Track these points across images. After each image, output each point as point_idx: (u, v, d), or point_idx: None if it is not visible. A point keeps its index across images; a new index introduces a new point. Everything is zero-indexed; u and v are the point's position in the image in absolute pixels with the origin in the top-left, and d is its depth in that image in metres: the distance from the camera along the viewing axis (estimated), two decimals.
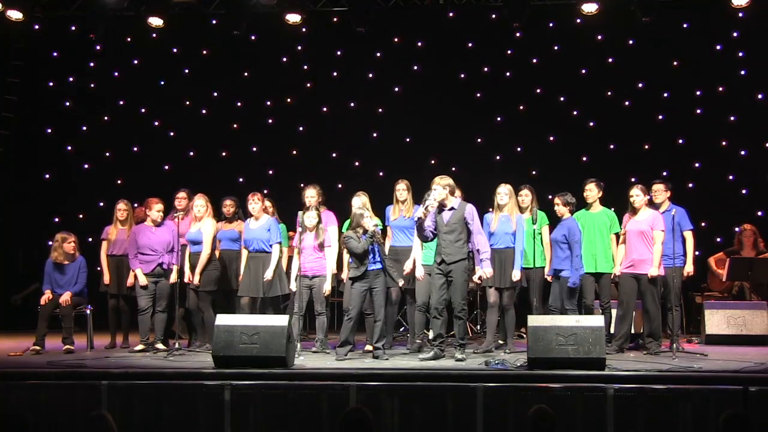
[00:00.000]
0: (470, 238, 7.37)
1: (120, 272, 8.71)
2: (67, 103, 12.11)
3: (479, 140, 11.67)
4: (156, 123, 12.14)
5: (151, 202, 8.48)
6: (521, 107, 11.57)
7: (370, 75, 11.93)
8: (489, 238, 7.80)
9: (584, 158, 11.36)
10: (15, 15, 10.80)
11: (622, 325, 7.95)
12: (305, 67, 12.00)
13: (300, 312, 7.85)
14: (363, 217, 7.59)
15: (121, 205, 8.88)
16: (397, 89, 11.84)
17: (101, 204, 11.08)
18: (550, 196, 8.23)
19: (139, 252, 8.28)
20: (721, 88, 11.17)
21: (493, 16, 11.45)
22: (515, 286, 7.98)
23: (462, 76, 11.77)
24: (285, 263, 8.50)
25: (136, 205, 9.22)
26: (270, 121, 12.11)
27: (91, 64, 12.13)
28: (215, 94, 12.10)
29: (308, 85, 12.03)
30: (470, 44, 11.80)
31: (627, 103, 11.44)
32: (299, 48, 11.97)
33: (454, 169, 10.97)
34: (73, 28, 11.84)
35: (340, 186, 10.84)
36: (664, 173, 10.93)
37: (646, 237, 7.84)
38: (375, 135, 11.84)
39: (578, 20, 10.86)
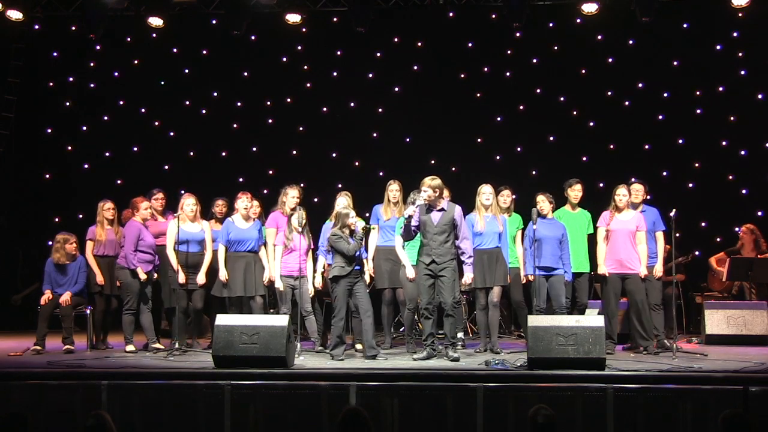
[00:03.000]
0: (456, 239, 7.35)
1: (111, 273, 8.59)
2: (67, 103, 12.11)
3: (479, 140, 11.67)
4: (156, 123, 12.13)
5: (137, 202, 8.46)
6: (521, 107, 11.57)
7: (370, 75, 11.93)
8: (475, 238, 7.78)
9: (584, 158, 11.35)
10: (15, 15, 10.80)
11: (609, 325, 7.89)
12: (305, 67, 12.00)
13: (288, 312, 7.78)
14: (349, 217, 7.52)
15: (109, 204, 8.72)
16: (397, 89, 11.84)
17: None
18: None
19: (138, 251, 8.28)
20: (721, 88, 11.17)
21: (493, 16, 11.44)
22: (502, 284, 7.95)
23: (462, 76, 11.77)
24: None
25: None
26: (270, 121, 12.10)
27: (91, 64, 12.13)
28: (215, 94, 12.10)
29: (308, 85, 12.03)
30: (470, 44, 11.80)
31: (627, 103, 11.44)
32: (299, 48, 11.97)
33: (454, 169, 11.00)
34: (73, 28, 11.83)
35: (340, 186, 10.80)
36: (664, 173, 10.96)
37: (634, 237, 7.82)
38: (375, 135, 11.84)
39: (578, 20, 10.87)
